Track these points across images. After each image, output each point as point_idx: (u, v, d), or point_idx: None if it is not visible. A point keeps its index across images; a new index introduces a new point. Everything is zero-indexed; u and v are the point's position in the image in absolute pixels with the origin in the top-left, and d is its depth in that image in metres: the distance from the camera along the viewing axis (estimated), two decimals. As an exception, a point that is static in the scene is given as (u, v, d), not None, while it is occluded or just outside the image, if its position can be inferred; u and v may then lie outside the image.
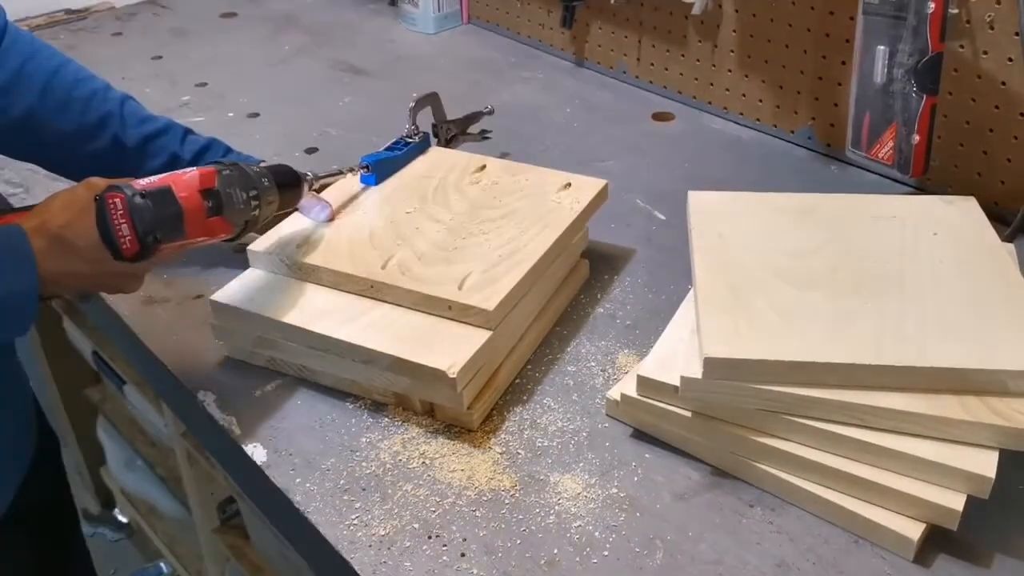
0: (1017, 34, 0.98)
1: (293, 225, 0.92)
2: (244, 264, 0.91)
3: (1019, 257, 0.86)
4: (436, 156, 1.07)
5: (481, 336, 0.80)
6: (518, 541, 0.71)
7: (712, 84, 1.32)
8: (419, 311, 0.83)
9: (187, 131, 1.00)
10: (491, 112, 1.21)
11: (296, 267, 0.88)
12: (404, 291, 0.83)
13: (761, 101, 1.27)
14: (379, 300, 0.85)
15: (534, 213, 0.94)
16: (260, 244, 0.90)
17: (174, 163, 0.96)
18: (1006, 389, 0.69)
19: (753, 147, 1.26)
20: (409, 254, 0.87)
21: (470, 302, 0.81)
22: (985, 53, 1.02)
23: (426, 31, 1.66)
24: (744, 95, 1.29)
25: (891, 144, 1.02)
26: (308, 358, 0.84)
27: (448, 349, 0.78)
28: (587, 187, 0.98)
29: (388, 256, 0.87)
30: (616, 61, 1.45)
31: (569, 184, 0.99)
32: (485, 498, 0.74)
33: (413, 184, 1.00)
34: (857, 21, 1.03)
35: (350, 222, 0.93)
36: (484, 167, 1.03)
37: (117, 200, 0.71)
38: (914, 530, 0.68)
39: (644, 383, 0.77)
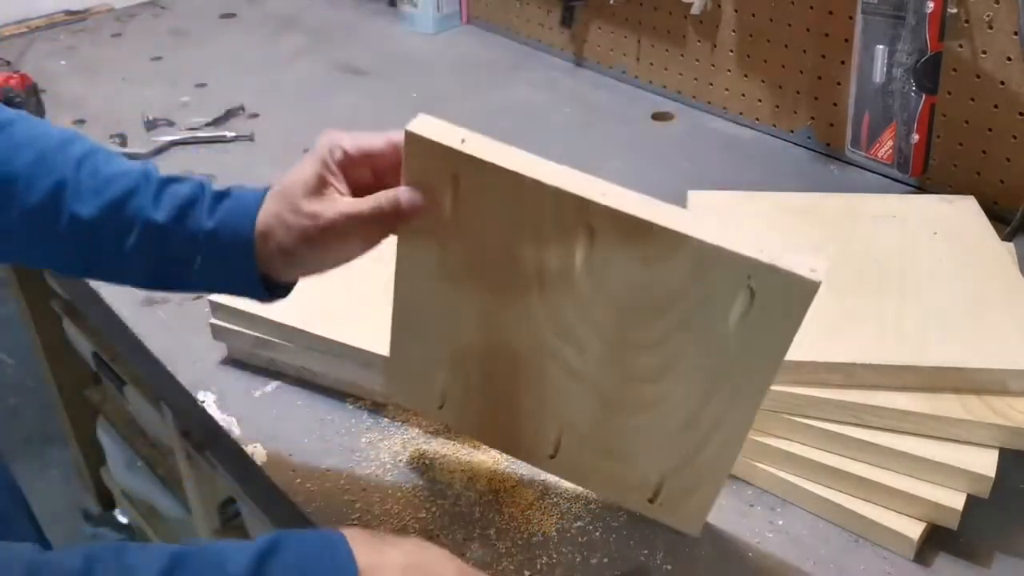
0: (1016, 33, 0.98)
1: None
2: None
3: (1019, 256, 0.86)
4: None
5: None
6: (519, 541, 0.71)
7: (712, 84, 1.32)
8: None
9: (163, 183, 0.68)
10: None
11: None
12: None
13: (760, 101, 1.27)
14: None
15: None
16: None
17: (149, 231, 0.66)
18: (1006, 388, 0.69)
19: (753, 147, 1.26)
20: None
21: (671, 522, 0.69)
22: (984, 52, 1.02)
23: (426, 31, 1.66)
24: (743, 95, 1.29)
25: (890, 143, 1.02)
26: (308, 359, 0.84)
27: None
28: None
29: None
30: (616, 61, 1.45)
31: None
32: (486, 498, 0.74)
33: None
34: (856, 21, 1.03)
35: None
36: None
37: None
38: (914, 529, 0.68)
39: (644, 383, 0.76)
